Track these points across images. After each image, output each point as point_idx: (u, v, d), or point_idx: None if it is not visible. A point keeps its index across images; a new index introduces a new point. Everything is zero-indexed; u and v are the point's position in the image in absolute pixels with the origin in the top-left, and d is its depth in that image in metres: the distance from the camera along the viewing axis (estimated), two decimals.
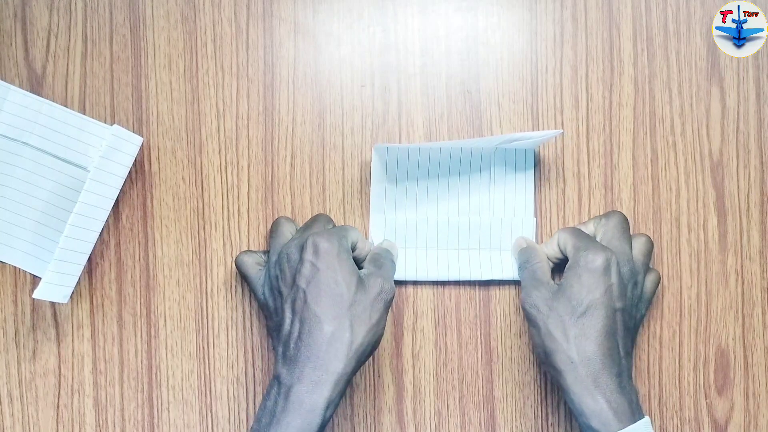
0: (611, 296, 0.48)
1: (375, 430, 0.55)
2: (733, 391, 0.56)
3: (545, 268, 0.52)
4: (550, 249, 0.53)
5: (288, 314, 0.47)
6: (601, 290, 0.48)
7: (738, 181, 0.56)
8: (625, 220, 0.52)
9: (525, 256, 0.53)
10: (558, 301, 0.49)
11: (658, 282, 0.53)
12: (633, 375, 0.51)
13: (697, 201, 0.56)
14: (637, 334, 0.53)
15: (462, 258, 0.55)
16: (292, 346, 0.46)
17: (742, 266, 0.56)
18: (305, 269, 0.47)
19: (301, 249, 0.47)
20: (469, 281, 0.55)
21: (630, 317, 0.49)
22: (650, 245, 0.53)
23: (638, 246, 0.52)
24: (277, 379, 0.46)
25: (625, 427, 0.46)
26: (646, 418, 0.47)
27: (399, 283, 0.55)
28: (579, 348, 0.47)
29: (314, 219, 0.52)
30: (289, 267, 0.48)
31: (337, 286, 0.46)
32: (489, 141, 0.53)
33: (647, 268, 0.53)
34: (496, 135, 0.55)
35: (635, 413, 0.46)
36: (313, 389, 0.45)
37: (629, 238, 0.52)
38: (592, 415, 0.46)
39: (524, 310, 0.50)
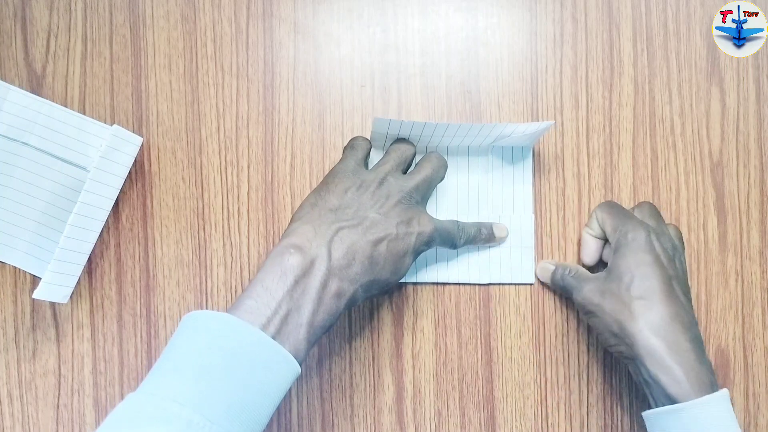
0: (662, 264, 0.48)
1: (375, 430, 0.55)
2: (733, 391, 0.56)
3: (584, 269, 0.53)
4: (594, 227, 0.54)
5: (370, 237, 0.47)
6: (649, 260, 0.48)
7: (738, 181, 0.56)
8: (656, 208, 0.53)
9: (560, 271, 0.53)
10: (610, 284, 0.49)
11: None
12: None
13: (697, 201, 0.56)
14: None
15: (461, 259, 0.55)
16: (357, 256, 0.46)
17: (742, 266, 0.56)
18: (412, 239, 0.48)
19: (417, 222, 0.49)
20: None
21: (686, 287, 0.50)
22: (680, 233, 0.54)
23: (672, 232, 0.53)
24: (323, 270, 0.45)
25: (701, 396, 0.44)
26: (725, 390, 0.45)
27: (399, 283, 0.55)
28: (645, 318, 0.47)
29: (353, 145, 0.53)
30: (403, 212, 0.49)
31: (404, 259, 0.48)
32: (485, 128, 0.52)
33: (683, 254, 0.53)
34: (494, 122, 0.54)
35: (714, 384, 0.45)
36: (364, 291, 0.47)
37: (663, 222, 0.53)
38: (669, 384, 0.45)
39: (579, 306, 0.51)
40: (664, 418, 0.45)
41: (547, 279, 0.55)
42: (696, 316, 0.54)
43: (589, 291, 0.50)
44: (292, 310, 0.43)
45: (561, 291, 0.54)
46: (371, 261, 0.46)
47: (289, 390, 0.54)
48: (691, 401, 0.44)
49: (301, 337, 0.43)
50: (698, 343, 0.47)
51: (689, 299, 0.50)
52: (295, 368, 0.42)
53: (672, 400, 0.45)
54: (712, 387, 0.45)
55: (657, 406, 0.46)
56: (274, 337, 0.42)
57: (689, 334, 0.46)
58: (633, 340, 0.47)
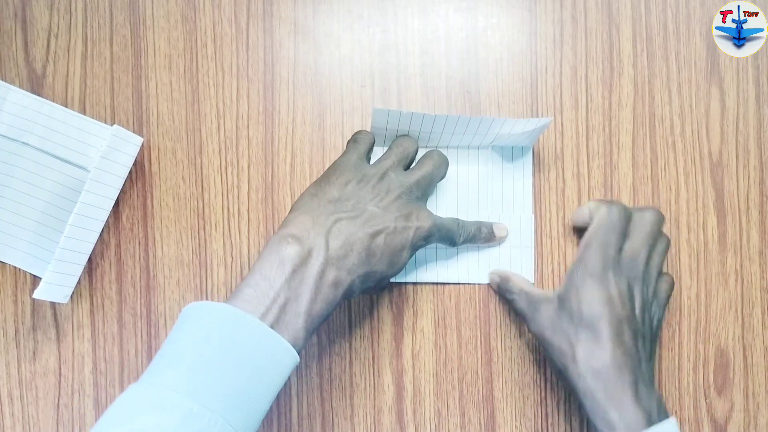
0: (612, 306, 0.47)
1: (375, 430, 0.55)
2: (733, 391, 0.56)
3: (531, 288, 0.52)
4: (579, 217, 0.53)
5: (368, 230, 0.47)
6: (600, 301, 0.48)
7: (738, 181, 0.56)
8: (656, 217, 0.51)
9: (505, 287, 0.53)
10: (561, 316, 0.49)
11: (672, 287, 0.53)
12: (655, 380, 0.50)
13: (696, 201, 0.56)
14: (657, 337, 0.52)
15: (461, 259, 0.55)
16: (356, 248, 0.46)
17: (741, 266, 0.56)
18: (410, 233, 0.48)
19: (416, 217, 0.49)
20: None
21: (642, 323, 0.49)
22: (666, 244, 0.52)
23: (658, 247, 0.51)
24: (321, 259, 0.45)
25: None
26: (666, 424, 0.45)
27: (399, 283, 0.55)
28: (586, 362, 0.47)
29: (355, 140, 0.53)
30: (402, 206, 0.49)
31: (402, 252, 0.48)
32: (484, 121, 0.52)
33: (660, 269, 0.52)
34: (494, 116, 0.54)
35: (651, 421, 0.45)
36: (361, 282, 0.47)
37: (651, 241, 0.50)
38: (604, 427, 0.46)
39: (534, 334, 0.51)
40: None
41: (495, 286, 0.55)
42: (668, 325, 0.54)
43: (539, 325, 0.50)
44: (290, 299, 0.43)
45: (513, 311, 0.54)
46: (368, 253, 0.46)
47: (289, 390, 0.54)
48: None
49: (300, 326, 0.43)
50: (640, 383, 0.46)
51: (644, 335, 0.48)
52: (294, 357, 0.42)
53: None
54: (649, 423, 0.45)
55: None
56: (272, 326, 0.42)
57: (630, 376, 0.46)
58: (574, 384, 0.48)
